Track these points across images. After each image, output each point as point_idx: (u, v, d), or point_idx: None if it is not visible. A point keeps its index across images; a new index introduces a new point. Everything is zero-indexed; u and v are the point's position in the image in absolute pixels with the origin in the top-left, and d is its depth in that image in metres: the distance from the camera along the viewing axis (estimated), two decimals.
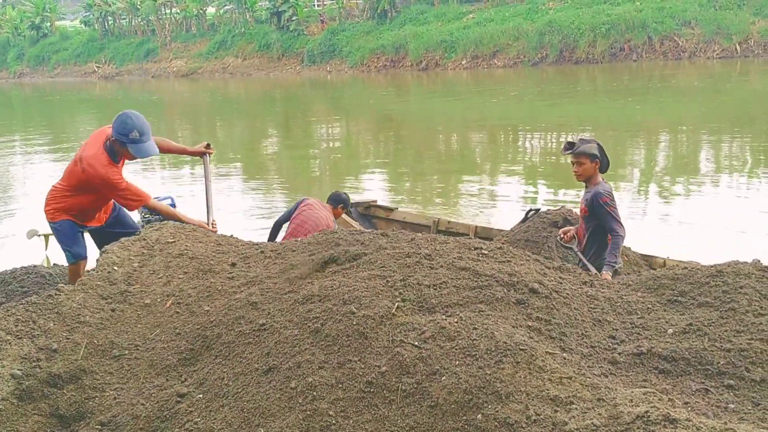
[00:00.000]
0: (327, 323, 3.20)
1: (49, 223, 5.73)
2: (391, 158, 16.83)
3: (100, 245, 5.58)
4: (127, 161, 5.66)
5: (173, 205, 7.51)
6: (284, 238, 6.87)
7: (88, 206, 5.69)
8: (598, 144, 5.36)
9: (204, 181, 6.28)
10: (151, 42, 50.92)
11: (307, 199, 6.97)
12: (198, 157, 6.46)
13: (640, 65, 30.52)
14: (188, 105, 32.91)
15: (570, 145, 5.39)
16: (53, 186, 5.72)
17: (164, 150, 5.98)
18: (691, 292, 3.57)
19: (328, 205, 6.98)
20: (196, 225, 5.47)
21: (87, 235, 5.88)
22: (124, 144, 5.38)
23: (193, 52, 48.00)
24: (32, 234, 8.79)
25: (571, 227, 5.92)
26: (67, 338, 3.60)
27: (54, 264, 7.05)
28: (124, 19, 54.37)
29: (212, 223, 5.84)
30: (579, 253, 5.52)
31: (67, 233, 5.67)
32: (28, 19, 57.91)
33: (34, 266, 6.59)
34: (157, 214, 7.18)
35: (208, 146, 6.22)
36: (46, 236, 8.77)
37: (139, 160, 5.74)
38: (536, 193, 12.15)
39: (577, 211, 6.45)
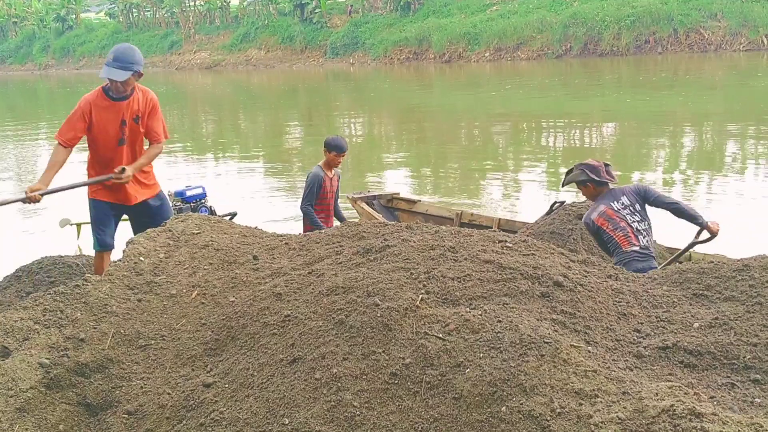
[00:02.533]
0: (351, 315, 3.21)
1: (88, 198, 5.75)
2: (413, 150, 16.81)
3: (135, 232, 5.55)
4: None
5: (204, 195, 7.59)
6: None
7: (100, 164, 5.65)
8: (582, 168, 5.69)
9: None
10: (174, 34, 51.19)
11: None
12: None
13: (666, 58, 30.28)
14: (212, 97, 33.03)
15: (564, 183, 5.94)
16: None
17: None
18: (717, 286, 3.54)
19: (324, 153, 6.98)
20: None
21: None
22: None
23: (216, 45, 48.19)
24: (65, 223, 8.91)
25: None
26: (94, 328, 3.63)
27: (80, 255, 7.12)
28: (149, 11, 54.69)
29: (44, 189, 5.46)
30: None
31: (99, 215, 5.70)
32: (53, 11, 58.38)
33: (61, 256, 6.66)
34: (188, 203, 7.25)
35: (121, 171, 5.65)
36: (79, 225, 8.89)
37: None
38: (559, 185, 12.09)
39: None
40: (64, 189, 5.61)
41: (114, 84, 5.44)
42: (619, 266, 5.19)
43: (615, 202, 5.55)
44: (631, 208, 5.54)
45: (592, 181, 5.63)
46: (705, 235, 5.59)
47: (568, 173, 5.88)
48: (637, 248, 5.40)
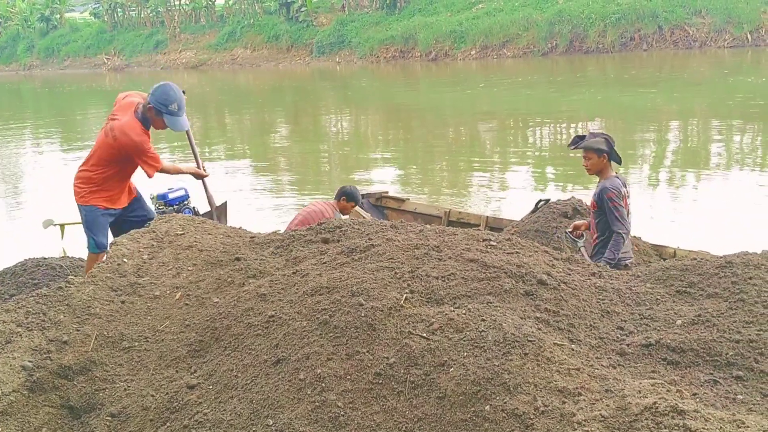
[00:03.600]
0: (335, 315, 3.21)
1: (79, 206, 5.81)
2: (401, 149, 16.81)
3: (116, 233, 5.65)
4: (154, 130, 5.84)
5: (187, 196, 7.62)
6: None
7: (118, 179, 5.80)
8: (606, 138, 5.31)
9: (187, 138, 6.55)
10: (160, 33, 50.89)
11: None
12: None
13: (651, 55, 30.36)
14: (198, 97, 32.93)
15: (578, 139, 5.40)
16: (81, 169, 5.81)
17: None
18: (700, 283, 3.56)
19: (333, 201, 7.03)
20: (194, 173, 6.29)
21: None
22: (161, 113, 5.60)
23: (202, 44, 47.96)
24: (48, 224, 8.84)
25: (583, 221, 5.90)
26: (78, 330, 3.62)
27: (64, 256, 7.07)
28: (134, 10, 54.35)
29: (203, 168, 6.43)
30: (583, 249, 5.52)
31: (96, 220, 5.78)
32: (37, 11, 57.96)
33: (44, 258, 6.62)
34: (171, 206, 7.29)
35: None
36: (62, 226, 8.83)
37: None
38: (546, 183, 12.13)
39: (588, 201, 6.48)
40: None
41: (162, 126, 5.75)
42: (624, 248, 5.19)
43: (626, 188, 5.36)
44: (629, 198, 5.39)
45: (610, 154, 5.30)
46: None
47: (580, 137, 5.44)
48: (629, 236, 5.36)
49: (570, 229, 5.83)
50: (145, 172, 5.80)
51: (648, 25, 31.23)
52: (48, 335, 3.57)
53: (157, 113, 5.59)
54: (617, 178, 5.34)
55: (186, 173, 6.33)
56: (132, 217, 5.93)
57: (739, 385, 2.82)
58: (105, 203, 5.78)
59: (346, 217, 7.10)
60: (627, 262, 5.24)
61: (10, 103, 37.45)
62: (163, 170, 5.91)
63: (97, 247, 5.75)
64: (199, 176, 6.39)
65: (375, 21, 40.54)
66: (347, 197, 7.01)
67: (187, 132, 6.30)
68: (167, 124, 5.65)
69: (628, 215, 5.32)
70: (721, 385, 2.82)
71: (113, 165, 5.69)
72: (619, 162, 5.35)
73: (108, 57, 51.77)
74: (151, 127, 5.75)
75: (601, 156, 5.29)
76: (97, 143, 5.73)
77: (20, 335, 3.56)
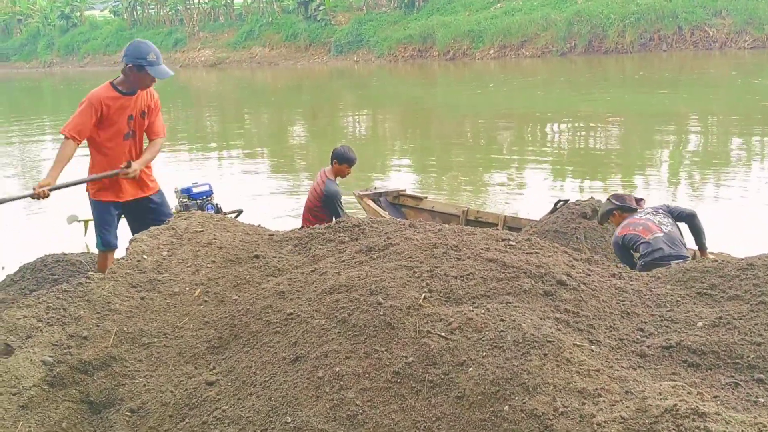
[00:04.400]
0: (354, 313, 3.21)
1: (90, 199, 5.75)
2: (418, 148, 16.79)
3: (137, 230, 5.54)
4: (136, 89, 5.56)
5: (211, 192, 7.59)
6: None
7: (106, 161, 5.63)
8: (609, 199, 6.07)
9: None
10: (179, 32, 51.17)
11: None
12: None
13: (670, 55, 30.20)
14: (216, 95, 33.04)
15: (601, 218, 6.19)
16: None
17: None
18: (722, 285, 3.53)
19: (329, 167, 6.99)
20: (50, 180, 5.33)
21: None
22: (142, 67, 5.39)
23: (220, 42, 48.18)
24: (72, 219, 8.91)
25: None
26: (98, 326, 3.64)
27: (85, 252, 7.11)
28: (153, 8, 54.67)
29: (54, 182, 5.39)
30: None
31: (103, 216, 5.69)
32: (57, 8, 58.40)
33: (65, 254, 6.66)
34: (195, 200, 7.24)
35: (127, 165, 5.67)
36: (86, 222, 8.89)
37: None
38: (564, 183, 12.08)
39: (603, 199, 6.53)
40: (73, 184, 5.60)
41: (149, 81, 5.52)
42: (646, 254, 5.30)
43: (636, 215, 5.75)
44: (652, 213, 5.71)
45: (618, 208, 5.93)
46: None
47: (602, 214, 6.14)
48: (660, 235, 5.47)
49: None
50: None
51: (668, 26, 31.07)
52: (68, 331, 3.59)
53: (138, 69, 5.40)
54: (621, 229, 5.72)
55: (51, 171, 5.40)
56: (153, 217, 5.83)
57: (761, 387, 2.79)
58: (107, 195, 5.65)
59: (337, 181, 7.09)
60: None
61: (31, 99, 37.75)
62: (63, 144, 5.45)
63: (103, 245, 5.70)
64: (40, 189, 5.27)
65: (393, 20, 40.56)
66: (338, 159, 6.94)
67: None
68: (153, 74, 5.43)
69: (646, 219, 5.60)
70: (742, 388, 2.80)
71: (93, 142, 5.59)
72: (633, 209, 5.89)
73: None
74: (140, 88, 5.55)
75: (612, 215, 6.01)
76: None
77: (41, 330, 3.59)
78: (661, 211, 5.70)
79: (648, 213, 5.70)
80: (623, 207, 5.90)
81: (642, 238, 5.48)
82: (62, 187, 5.48)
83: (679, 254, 5.33)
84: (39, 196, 5.24)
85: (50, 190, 5.30)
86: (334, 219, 6.67)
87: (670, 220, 5.62)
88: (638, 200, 6.01)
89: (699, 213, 5.77)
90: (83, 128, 5.45)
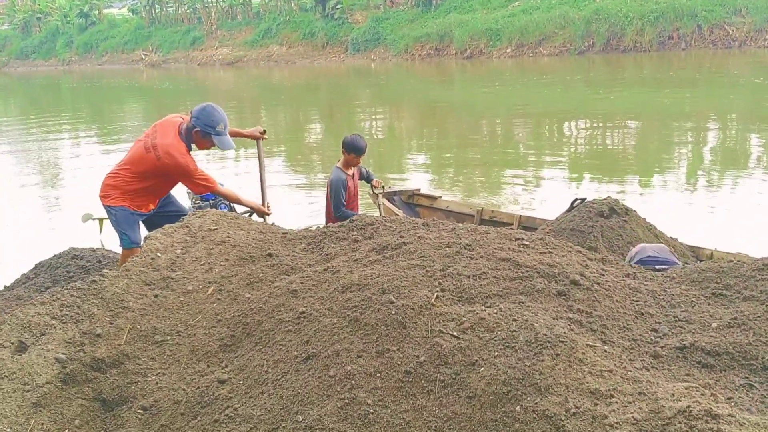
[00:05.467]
0: (366, 312, 3.20)
1: (106, 207, 5.80)
2: (434, 147, 16.76)
3: (149, 228, 5.68)
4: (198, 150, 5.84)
5: None
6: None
7: (150, 192, 5.81)
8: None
9: (258, 165, 6.58)
10: (197, 30, 51.27)
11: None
12: (251, 140, 6.69)
13: (689, 54, 29.98)
14: (233, 93, 33.13)
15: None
16: (115, 171, 5.79)
17: None
18: (737, 285, 3.50)
19: (342, 155, 6.97)
20: (254, 208, 6.06)
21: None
22: (208, 135, 5.62)
23: (238, 40, 48.25)
24: (87, 218, 8.95)
25: None
26: (111, 323, 3.65)
27: (94, 249, 7.12)
28: (171, 7, 54.80)
29: (267, 206, 6.27)
30: None
31: (127, 219, 5.77)
32: (76, 7, 58.71)
33: (80, 251, 6.69)
34: (207, 200, 7.30)
35: (263, 132, 6.50)
36: (101, 220, 8.93)
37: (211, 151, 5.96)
38: (580, 182, 12.02)
39: (624, 201, 6.51)
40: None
41: (209, 146, 5.78)
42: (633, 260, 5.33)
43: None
44: None
45: None
46: None
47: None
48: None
49: None
50: (193, 191, 5.86)
51: (687, 24, 30.83)
52: (82, 328, 3.61)
53: (204, 135, 5.62)
54: None
55: (246, 206, 6.21)
56: (164, 212, 5.93)
57: None
58: (134, 208, 5.79)
59: (352, 171, 7.07)
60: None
61: (50, 97, 37.99)
62: (220, 193, 5.96)
63: (131, 242, 5.75)
64: (261, 213, 6.23)
65: (410, 18, 40.48)
66: (345, 148, 6.89)
67: (260, 164, 6.49)
68: (218, 145, 5.67)
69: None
70: (756, 390, 2.77)
71: (150, 179, 5.69)
72: None
73: (145, 53, 52.27)
74: (199, 148, 5.80)
75: None
76: (135, 155, 5.68)
77: (54, 327, 3.60)
78: None
79: None
80: None
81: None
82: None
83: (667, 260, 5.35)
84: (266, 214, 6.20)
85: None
86: (332, 208, 6.72)
87: None
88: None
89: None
90: (208, 174, 5.81)
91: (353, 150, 6.81)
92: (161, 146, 5.52)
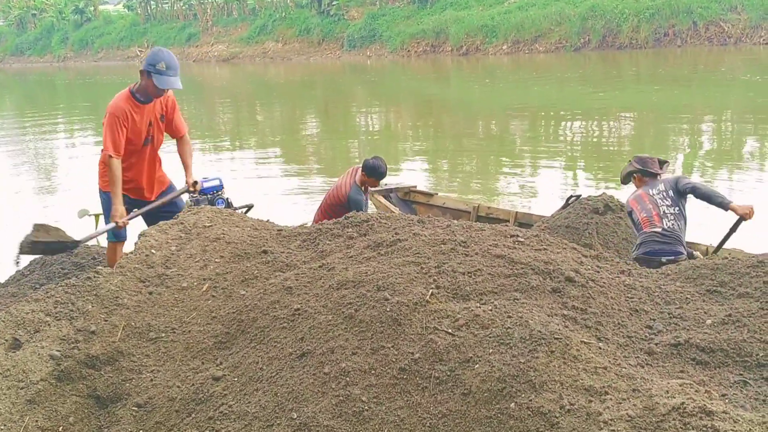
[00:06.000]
0: (361, 309, 3.20)
1: (100, 192, 5.73)
2: (430, 143, 16.75)
3: (148, 224, 5.60)
4: (152, 97, 5.59)
5: (221, 186, 7.57)
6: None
7: (132, 169, 5.67)
8: (630, 162, 6.15)
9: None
10: (192, 26, 51.26)
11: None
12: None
13: (685, 51, 30.03)
14: (229, 90, 33.09)
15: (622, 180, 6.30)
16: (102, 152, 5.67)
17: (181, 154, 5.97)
18: (731, 282, 3.50)
19: (360, 173, 6.95)
20: (113, 207, 5.45)
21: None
22: (150, 74, 5.40)
23: (233, 37, 48.23)
24: (83, 214, 8.91)
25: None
26: (105, 320, 3.65)
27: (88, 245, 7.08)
28: (166, 3, 54.79)
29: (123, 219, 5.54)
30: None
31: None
32: (72, 3, 58.66)
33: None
34: (205, 194, 7.23)
35: (195, 184, 5.97)
36: (97, 216, 8.90)
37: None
38: (576, 179, 12.03)
39: (618, 197, 6.53)
40: (146, 211, 5.73)
41: (160, 91, 5.50)
42: (637, 246, 5.40)
43: (652, 189, 5.82)
44: (664, 193, 5.75)
45: (638, 171, 5.99)
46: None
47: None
48: (658, 230, 5.55)
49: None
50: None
51: (682, 21, 30.89)
52: (76, 325, 3.60)
53: (147, 75, 5.42)
54: (644, 185, 5.96)
55: (114, 198, 5.48)
56: (166, 210, 5.83)
57: None
58: (125, 192, 5.64)
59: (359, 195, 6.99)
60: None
61: (45, 94, 37.91)
62: (107, 164, 5.46)
63: (114, 236, 5.69)
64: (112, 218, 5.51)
65: (406, 15, 40.49)
66: (366, 172, 6.88)
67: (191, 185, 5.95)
68: (156, 83, 5.40)
69: (654, 204, 5.71)
70: (751, 387, 2.78)
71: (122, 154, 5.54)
72: (654, 174, 5.96)
73: (141, 49, 52.20)
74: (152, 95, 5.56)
75: (633, 178, 6.11)
76: None
77: (49, 324, 3.60)
78: (671, 191, 5.73)
79: (660, 193, 5.75)
80: (644, 171, 5.98)
81: (640, 227, 5.67)
82: (140, 214, 5.69)
83: (672, 251, 5.43)
84: (121, 227, 5.54)
85: (129, 219, 5.54)
86: None
87: (677, 209, 5.61)
88: (662, 163, 6.07)
89: (711, 209, 5.73)
90: (119, 142, 5.48)
91: (373, 175, 6.86)
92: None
